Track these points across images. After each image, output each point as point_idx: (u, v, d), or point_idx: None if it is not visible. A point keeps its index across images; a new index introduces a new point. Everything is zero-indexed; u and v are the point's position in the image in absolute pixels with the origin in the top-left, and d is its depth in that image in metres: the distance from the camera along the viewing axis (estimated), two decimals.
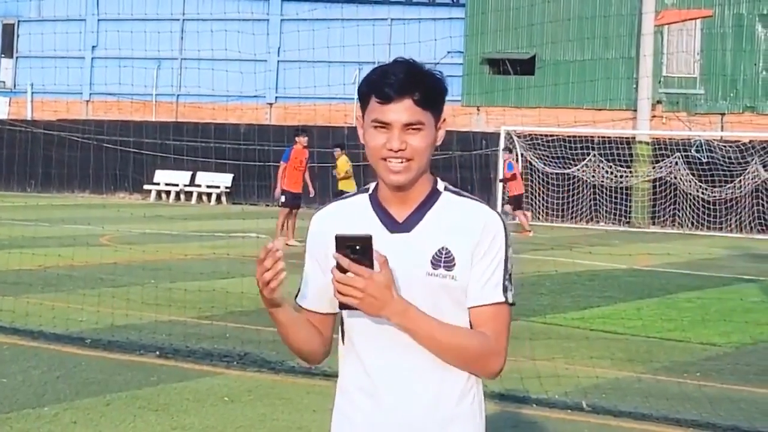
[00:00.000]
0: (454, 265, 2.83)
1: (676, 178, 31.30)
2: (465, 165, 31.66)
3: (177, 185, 37.68)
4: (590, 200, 32.24)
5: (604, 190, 32.00)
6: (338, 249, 2.68)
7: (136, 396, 8.04)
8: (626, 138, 32.23)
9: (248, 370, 9.06)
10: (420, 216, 2.88)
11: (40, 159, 39.43)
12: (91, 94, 41.28)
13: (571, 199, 32.34)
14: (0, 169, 40.12)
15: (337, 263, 2.68)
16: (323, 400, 7.74)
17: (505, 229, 2.89)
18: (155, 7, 39.40)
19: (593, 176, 31.98)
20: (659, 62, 33.42)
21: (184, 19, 40.23)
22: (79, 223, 22.36)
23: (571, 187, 32.27)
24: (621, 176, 31.70)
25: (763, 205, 30.35)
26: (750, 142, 30.90)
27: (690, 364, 10.03)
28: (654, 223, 31.55)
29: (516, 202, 27.34)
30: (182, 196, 37.63)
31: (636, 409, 8.05)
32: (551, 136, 32.45)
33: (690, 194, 31.15)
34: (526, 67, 35.37)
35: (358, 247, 2.67)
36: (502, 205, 29.00)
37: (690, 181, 31.09)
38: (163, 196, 37.85)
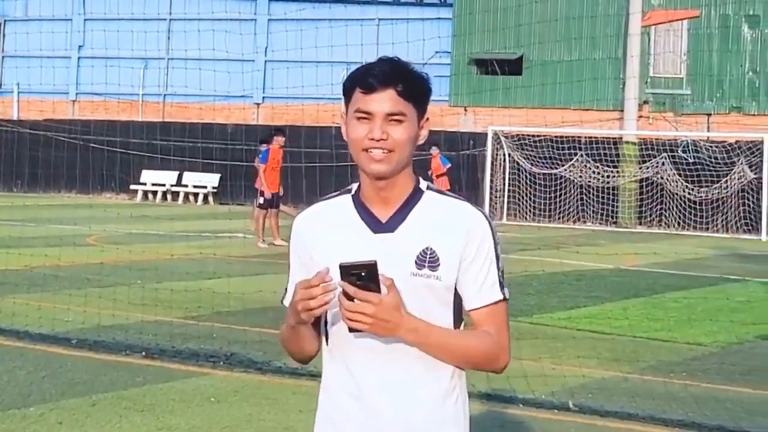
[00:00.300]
0: (439, 265, 2.83)
1: (662, 178, 31.37)
2: (453, 165, 31.64)
3: (164, 185, 37.62)
4: (577, 200, 32.29)
5: (591, 190, 32.06)
6: (343, 277, 2.67)
7: (121, 396, 8.02)
8: (613, 138, 32.29)
9: (234, 371, 9.04)
10: (403, 216, 2.88)
11: (26, 159, 39.32)
12: (77, 93, 41.18)
13: (558, 199, 32.38)
14: None
15: (344, 291, 2.68)
16: (309, 400, 7.71)
17: (491, 225, 2.91)
18: (142, 6, 39.30)
19: (580, 176, 32.03)
20: (646, 63, 33.49)
21: (171, 19, 40.17)
22: (66, 223, 22.30)
23: (558, 187, 32.31)
24: (608, 176, 31.76)
25: (749, 206, 30.44)
26: (736, 142, 30.99)
27: (676, 364, 10.05)
28: (641, 223, 31.62)
29: None
30: (169, 196, 37.57)
31: (622, 408, 8.06)
32: (538, 136, 32.50)
33: (676, 194, 31.22)
34: (513, 67, 35.41)
35: (363, 273, 2.67)
36: (490, 204, 29.02)
37: (676, 182, 31.16)
38: (150, 196, 37.78)
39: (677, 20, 33.46)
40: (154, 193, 37.77)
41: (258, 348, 9.71)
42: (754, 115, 33.05)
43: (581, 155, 31.90)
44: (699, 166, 30.95)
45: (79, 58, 41.33)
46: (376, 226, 2.87)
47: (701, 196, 30.92)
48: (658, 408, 8.10)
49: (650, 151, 31.54)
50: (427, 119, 2.92)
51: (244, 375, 8.93)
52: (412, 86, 2.84)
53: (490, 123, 33.54)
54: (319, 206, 2.99)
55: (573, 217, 32.31)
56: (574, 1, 34.37)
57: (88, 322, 10.84)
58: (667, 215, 31.47)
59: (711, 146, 31.22)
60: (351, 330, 2.72)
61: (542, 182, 32.36)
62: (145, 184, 37.86)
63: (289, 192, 32.04)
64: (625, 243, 24.39)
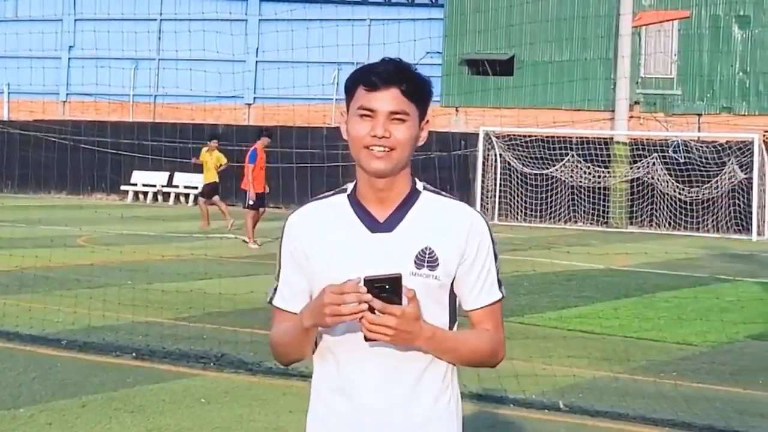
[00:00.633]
0: (438, 265, 2.85)
1: (653, 178, 31.43)
2: (444, 165, 31.69)
3: (154, 186, 37.56)
4: (568, 200, 32.32)
5: (582, 191, 32.09)
6: (367, 290, 2.66)
7: (112, 397, 8.00)
8: (604, 138, 32.33)
9: (225, 372, 9.03)
10: (401, 215, 2.88)
11: (16, 160, 39.22)
12: (67, 94, 41.11)
13: (549, 200, 32.41)
14: None
15: (368, 305, 2.67)
16: (300, 401, 7.72)
17: (488, 225, 2.94)
18: (133, 7, 39.24)
19: (571, 176, 32.07)
20: (637, 63, 33.55)
21: (161, 19, 40.12)
22: (56, 224, 22.26)
23: (549, 188, 32.34)
24: (599, 176, 31.80)
25: (739, 206, 30.50)
26: (727, 142, 31.05)
27: (666, 364, 10.07)
28: (632, 223, 31.67)
29: None
30: (160, 197, 37.51)
31: (613, 408, 8.07)
32: (530, 136, 32.53)
33: (667, 194, 31.28)
34: (504, 67, 35.45)
35: (387, 287, 2.67)
36: (481, 205, 29.03)
37: (667, 182, 31.22)
38: (141, 197, 37.73)
39: (668, 21, 33.52)
40: (145, 193, 37.72)
41: (249, 349, 9.70)
42: (744, 115, 33.13)
43: (572, 155, 31.94)
44: (690, 167, 31.01)
45: (69, 58, 41.26)
46: (373, 225, 2.87)
47: (692, 197, 30.97)
48: (648, 407, 8.11)
49: (641, 152, 31.60)
50: (428, 121, 2.94)
51: (235, 376, 8.92)
52: (416, 87, 2.85)
53: (482, 123, 33.56)
54: (313, 205, 2.98)
55: (564, 217, 32.35)
56: (566, 2, 34.42)
57: (79, 323, 10.82)
58: (658, 215, 31.53)
59: (702, 146, 31.28)
60: (368, 340, 2.72)
61: (533, 182, 32.39)
62: (135, 184, 37.79)
63: (280, 192, 32.11)
64: (615, 243, 24.42)
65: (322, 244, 2.88)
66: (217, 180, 25.41)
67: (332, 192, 3.00)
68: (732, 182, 30.61)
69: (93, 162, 38.13)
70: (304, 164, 34.65)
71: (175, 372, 8.99)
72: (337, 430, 2.88)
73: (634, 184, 31.71)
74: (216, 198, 25.07)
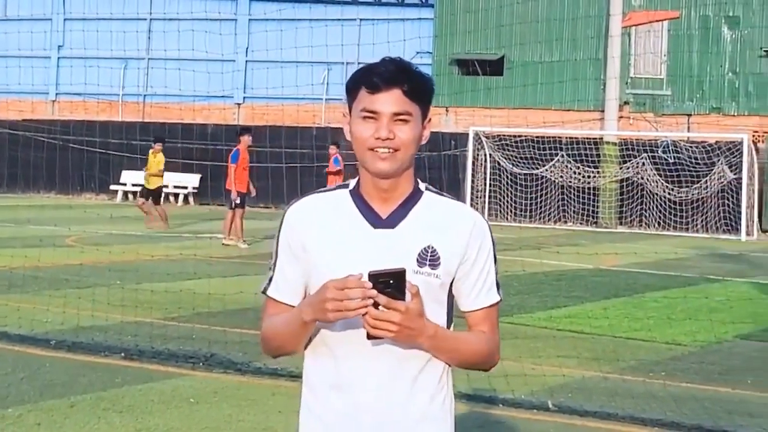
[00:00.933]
0: (439, 264, 2.85)
1: (643, 178, 31.49)
2: (434, 165, 31.70)
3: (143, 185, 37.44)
4: (558, 200, 32.36)
5: (572, 191, 32.14)
6: (372, 286, 2.64)
7: (100, 397, 7.98)
8: (594, 138, 32.38)
9: (214, 372, 9.01)
10: (404, 213, 2.88)
11: (5, 159, 39.12)
12: (57, 94, 41.02)
13: (539, 200, 32.45)
14: None
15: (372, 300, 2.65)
16: (289, 401, 7.71)
17: (489, 228, 2.96)
18: (122, 6, 39.15)
19: (561, 177, 32.11)
20: (626, 63, 33.62)
21: (151, 19, 40.06)
22: (45, 224, 22.20)
23: (539, 188, 32.38)
24: (588, 177, 31.85)
25: (728, 206, 30.57)
26: (716, 142, 31.12)
27: (655, 363, 10.08)
28: (621, 224, 31.71)
29: None
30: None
31: (602, 408, 8.07)
32: (519, 136, 32.56)
33: (657, 194, 31.34)
34: (494, 67, 35.48)
35: (391, 282, 2.65)
36: (471, 205, 28.95)
37: (657, 182, 31.28)
38: (130, 196, 37.62)
39: (657, 21, 33.60)
40: (134, 193, 37.60)
41: (238, 349, 9.68)
42: (733, 115, 33.23)
43: (562, 155, 31.98)
44: (679, 167, 31.07)
45: (58, 58, 41.17)
46: (376, 221, 2.87)
47: (681, 197, 31.04)
48: (637, 407, 8.12)
49: (631, 152, 31.65)
50: (430, 119, 2.94)
51: (224, 376, 8.90)
52: (418, 86, 2.85)
53: (472, 123, 33.58)
54: (314, 198, 2.97)
55: (554, 217, 32.39)
56: (555, 3, 34.47)
57: (67, 323, 10.79)
58: (648, 215, 31.59)
59: (691, 147, 31.35)
60: (370, 337, 2.70)
61: (523, 182, 32.42)
62: (125, 184, 37.70)
63: (270, 193, 32.09)
64: (605, 243, 24.45)
65: (322, 238, 2.87)
66: (160, 185, 25.01)
67: (334, 186, 3.00)
68: (721, 182, 30.68)
69: (82, 162, 38.05)
70: (294, 164, 34.63)
71: (164, 372, 8.97)
72: (334, 427, 2.87)
73: (624, 184, 31.76)
74: (150, 203, 24.49)
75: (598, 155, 31.86)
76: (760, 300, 15.07)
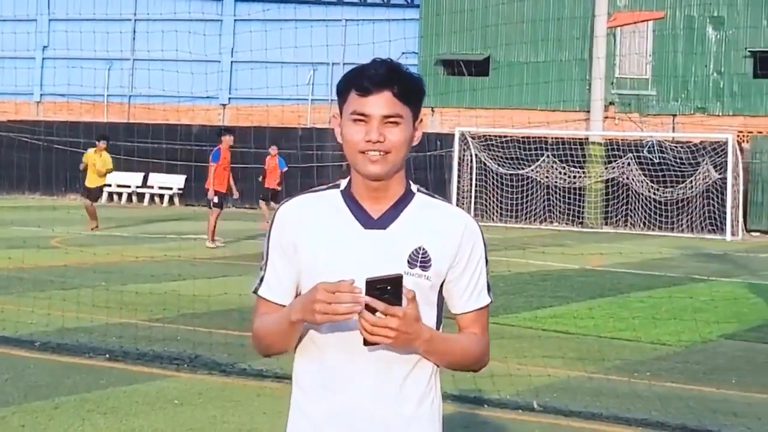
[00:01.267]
0: (430, 265, 2.85)
1: (628, 178, 31.56)
2: (420, 166, 31.71)
3: (129, 187, 37.39)
4: (544, 201, 32.41)
5: (558, 191, 32.19)
6: (368, 291, 2.63)
7: (85, 399, 7.95)
8: (579, 139, 32.45)
9: (199, 373, 8.98)
10: (395, 214, 2.88)
11: None
12: (41, 94, 40.87)
13: (524, 200, 32.49)
14: None
15: (368, 306, 2.63)
16: (274, 402, 7.70)
17: (481, 230, 2.96)
18: (107, 7, 39.06)
19: (547, 177, 32.16)
20: (612, 64, 33.69)
21: (135, 20, 39.96)
22: (29, 225, 22.14)
23: (524, 188, 32.42)
24: (574, 177, 31.90)
25: (713, 206, 30.67)
26: (701, 143, 31.21)
27: (640, 363, 10.10)
28: (606, 224, 31.78)
29: (276, 197, 26.89)
30: (134, 198, 37.34)
31: (586, 408, 8.08)
32: (505, 137, 32.60)
33: (642, 194, 31.42)
34: (480, 68, 35.52)
35: (389, 288, 2.64)
36: (457, 205, 28.98)
37: (642, 182, 31.36)
38: (115, 197, 37.55)
39: (642, 21, 33.69)
40: (120, 194, 37.54)
41: (223, 350, 9.66)
42: (718, 115, 33.34)
43: (548, 156, 32.03)
44: (664, 167, 31.15)
45: (43, 58, 41.03)
46: (367, 221, 2.86)
47: (666, 197, 31.12)
48: (622, 407, 8.13)
49: (616, 152, 31.73)
50: (421, 120, 2.93)
51: (209, 377, 8.87)
52: (408, 88, 2.84)
53: (457, 124, 33.62)
54: (305, 197, 2.96)
55: (539, 217, 32.44)
56: (541, 3, 34.52)
57: (52, 325, 10.75)
58: (633, 215, 31.66)
59: (676, 147, 31.43)
60: (367, 344, 2.69)
61: (509, 183, 32.46)
62: (110, 185, 37.56)
63: (254, 194, 32.00)
64: (590, 243, 24.49)
65: (312, 236, 2.87)
66: (103, 184, 24.55)
67: (325, 187, 2.99)
68: (706, 182, 30.77)
69: (66, 163, 37.88)
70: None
71: (148, 373, 8.94)
72: (322, 426, 2.87)
73: (609, 184, 31.84)
74: (89, 202, 23.87)
75: (584, 155, 31.93)
76: (745, 300, 15.12)
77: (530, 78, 33.99)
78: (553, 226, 31.74)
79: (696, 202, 31.01)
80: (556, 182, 32.09)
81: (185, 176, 36.50)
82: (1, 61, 39.75)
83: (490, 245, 3.06)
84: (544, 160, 32.05)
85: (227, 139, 21.30)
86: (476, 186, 32.67)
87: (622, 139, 32.29)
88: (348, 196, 2.91)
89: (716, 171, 30.53)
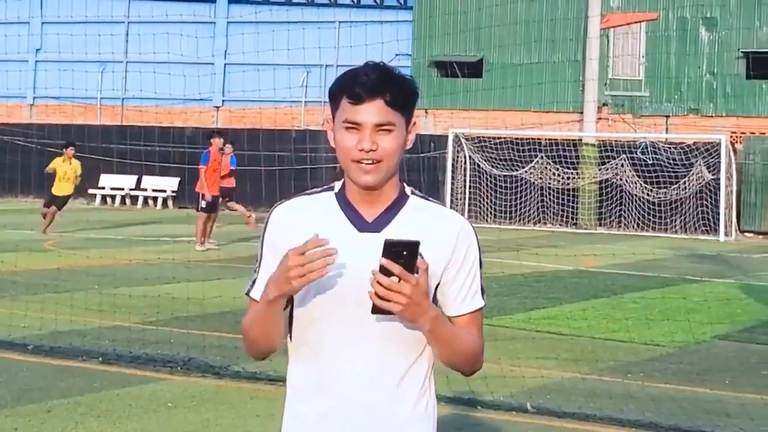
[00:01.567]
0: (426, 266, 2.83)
1: (621, 179, 31.58)
2: (413, 167, 31.70)
3: (122, 189, 37.35)
4: (537, 202, 32.42)
5: (551, 192, 32.20)
6: (385, 254, 2.61)
7: (78, 402, 7.94)
8: (573, 140, 32.47)
9: (192, 376, 8.98)
10: (390, 217, 2.88)
11: None
12: (34, 97, 40.81)
13: (518, 201, 32.50)
14: None
15: (383, 268, 2.62)
16: (267, 404, 7.70)
17: (475, 233, 2.96)
18: (100, 9, 39.00)
19: (540, 178, 32.17)
20: (605, 65, 33.72)
21: (128, 22, 39.93)
22: (22, 228, 22.11)
23: (518, 189, 32.43)
24: (568, 178, 31.92)
25: (707, 207, 30.69)
26: (694, 143, 31.24)
27: (634, 364, 10.11)
28: (600, 225, 31.80)
29: (230, 195, 26.82)
30: (128, 201, 37.30)
31: (580, 409, 8.09)
32: (499, 138, 32.60)
33: (635, 195, 31.44)
34: (473, 69, 35.53)
35: (405, 253, 2.62)
36: (451, 207, 29.01)
37: (635, 183, 31.38)
38: (109, 200, 37.51)
39: (635, 23, 33.72)
40: (113, 197, 37.50)
41: (216, 353, 9.66)
42: (711, 116, 33.37)
43: (541, 157, 32.05)
44: (657, 168, 31.17)
45: (36, 61, 40.97)
46: (361, 224, 2.86)
47: (660, 198, 31.15)
48: (615, 408, 8.14)
49: (609, 153, 31.75)
50: (414, 123, 2.92)
51: (202, 380, 8.87)
52: (400, 94, 2.83)
53: (451, 125, 33.63)
54: (300, 200, 2.96)
55: (533, 218, 32.45)
56: (534, 5, 34.53)
57: (45, 328, 10.73)
58: (627, 216, 31.68)
59: (669, 148, 31.46)
60: (375, 311, 2.66)
61: (503, 184, 32.46)
62: (103, 188, 37.57)
63: (248, 196, 32.00)
64: (584, 244, 24.52)
65: (306, 239, 2.85)
66: (70, 193, 23.72)
67: (319, 189, 2.99)
68: (699, 183, 30.80)
69: None
70: (272, 167, 34.58)
71: (142, 376, 8.94)
72: (316, 428, 2.86)
73: (603, 185, 31.85)
74: (54, 209, 23.13)
75: (577, 157, 31.95)
76: (738, 300, 15.14)
77: (524, 79, 34.01)
78: (546, 227, 31.76)
79: (689, 203, 31.04)
80: (549, 183, 32.10)
81: (179, 179, 36.43)
82: None
83: (484, 247, 3.06)
84: (537, 161, 32.07)
85: (217, 142, 21.29)
86: (470, 187, 32.68)
87: (615, 141, 32.31)
88: (342, 199, 2.90)
89: (709, 172, 30.56)
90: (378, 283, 2.63)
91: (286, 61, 35.69)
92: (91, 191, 37.37)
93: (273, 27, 36.32)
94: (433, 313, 2.75)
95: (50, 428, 7.24)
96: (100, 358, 9.46)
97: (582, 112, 32.63)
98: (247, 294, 2.96)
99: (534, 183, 32.25)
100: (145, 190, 37.23)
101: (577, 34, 33.71)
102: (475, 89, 34.97)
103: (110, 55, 38.99)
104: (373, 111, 2.79)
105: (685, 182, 30.94)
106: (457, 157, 32.69)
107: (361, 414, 2.83)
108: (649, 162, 31.31)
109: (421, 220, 2.89)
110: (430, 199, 2.97)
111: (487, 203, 32.58)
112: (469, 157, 32.59)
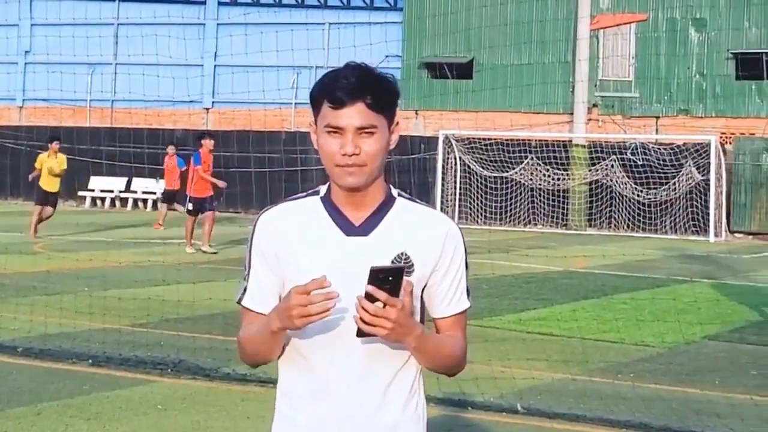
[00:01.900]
0: (413, 271, 2.84)
1: (612, 180, 31.62)
2: (403, 169, 31.72)
3: (112, 191, 37.28)
4: (528, 203, 32.44)
5: (542, 193, 32.23)
6: (371, 281, 2.63)
7: (68, 405, 7.92)
8: (563, 141, 32.50)
9: (182, 378, 8.96)
10: (377, 220, 2.87)
11: None
12: (23, 99, 40.71)
13: (508, 202, 32.52)
14: None
15: (368, 295, 2.63)
16: (258, 406, 7.68)
17: (462, 235, 2.96)
18: (89, 12, 38.91)
19: (531, 179, 32.20)
20: (595, 66, 33.77)
21: (118, 24, 39.86)
22: (12, 231, 22.05)
23: (508, 190, 32.45)
24: (558, 179, 31.95)
25: (696, 207, 30.75)
26: (684, 144, 31.30)
27: (624, 365, 10.12)
28: (590, 225, 31.83)
29: (173, 197, 26.81)
30: (118, 203, 37.23)
31: (570, 410, 8.10)
32: (489, 139, 32.62)
33: (626, 196, 31.48)
34: (463, 71, 35.55)
35: (390, 278, 2.64)
36: (441, 208, 29.04)
37: (626, 184, 31.42)
38: (98, 202, 37.44)
39: (625, 24, 33.78)
40: (103, 199, 37.43)
41: (206, 355, 9.64)
42: (701, 117, 33.44)
43: (531, 158, 32.07)
44: (647, 169, 31.22)
45: (25, 63, 40.87)
46: (349, 229, 2.85)
47: (650, 198, 31.20)
48: (606, 409, 8.14)
49: (600, 154, 31.78)
50: (397, 123, 2.91)
51: (193, 382, 8.85)
52: (381, 98, 2.81)
53: (441, 127, 33.64)
54: (286, 205, 2.95)
55: (523, 219, 32.47)
56: (524, 6, 34.55)
57: (35, 331, 10.71)
58: (617, 217, 31.73)
59: (659, 148, 31.51)
60: (360, 334, 2.68)
61: (493, 185, 32.48)
62: (93, 190, 37.50)
63: (238, 198, 32.00)
64: (574, 245, 24.55)
65: (294, 245, 2.85)
66: (58, 189, 23.15)
67: (304, 194, 2.97)
68: (689, 184, 30.85)
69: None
70: (262, 169, 34.54)
71: (132, 379, 8.92)
72: (306, 430, 2.86)
73: (593, 186, 31.89)
74: (50, 209, 22.67)
75: (567, 158, 31.98)
76: (728, 301, 15.17)
77: (514, 81, 34.05)
78: (537, 228, 31.78)
79: (679, 203, 31.09)
80: (540, 184, 32.13)
81: None
82: None
83: (475, 248, 3.07)
84: (527, 162, 32.09)
85: (207, 143, 21.24)
86: (460, 189, 32.69)
87: (605, 141, 32.35)
88: (328, 203, 2.89)
89: (699, 172, 30.61)
90: (363, 309, 2.63)
91: (276, 63, 35.64)
92: (80, 193, 37.32)
93: (262, 28, 36.27)
94: (418, 332, 2.75)
95: (40, 431, 7.22)
96: (90, 361, 9.44)
97: (572, 113, 32.67)
98: (239, 302, 2.96)
99: (524, 184, 32.28)
100: (135, 192, 37.15)
101: (567, 35, 33.74)
102: (465, 90, 35.00)
103: (99, 57, 38.94)
104: (354, 115, 2.77)
105: (675, 183, 30.99)
106: (447, 158, 32.71)
107: (352, 418, 2.83)
108: (639, 163, 31.36)
109: (409, 222, 2.88)
110: (417, 200, 2.96)
111: (478, 204, 32.60)
112: (459, 158, 32.60)
